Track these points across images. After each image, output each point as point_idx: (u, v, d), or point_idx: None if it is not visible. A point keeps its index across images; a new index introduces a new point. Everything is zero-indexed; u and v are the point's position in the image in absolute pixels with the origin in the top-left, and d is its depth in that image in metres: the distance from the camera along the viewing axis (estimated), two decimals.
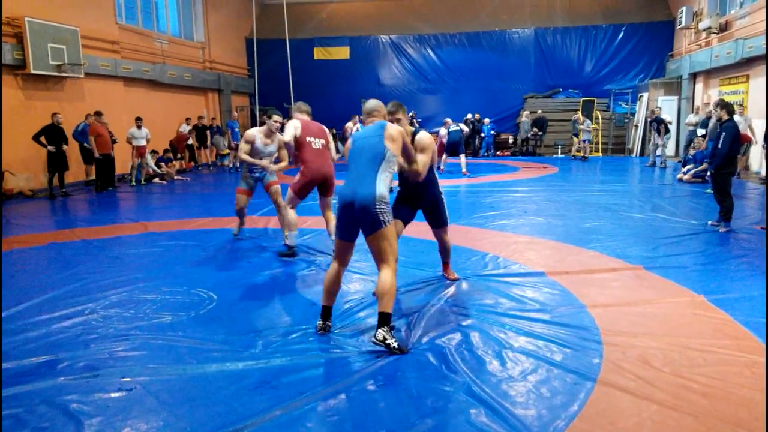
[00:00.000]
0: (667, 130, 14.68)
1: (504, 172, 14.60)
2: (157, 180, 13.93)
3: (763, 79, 12.55)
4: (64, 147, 11.30)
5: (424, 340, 3.69)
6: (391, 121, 4.08)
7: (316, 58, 21.43)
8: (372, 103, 4.01)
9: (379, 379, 3.15)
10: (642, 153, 18.04)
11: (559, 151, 18.99)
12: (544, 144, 19.59)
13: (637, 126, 18.43)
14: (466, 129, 11.68)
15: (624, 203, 9.11)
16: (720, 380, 3.03)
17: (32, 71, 11.55)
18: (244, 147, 6.29)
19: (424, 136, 4.34)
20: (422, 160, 4.15)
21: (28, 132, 11.04)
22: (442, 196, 4.75)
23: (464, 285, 4.87)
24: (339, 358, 3.46)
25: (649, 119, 14.59)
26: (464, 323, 3.96)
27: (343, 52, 21.43)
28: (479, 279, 5.03)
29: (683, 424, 2.61)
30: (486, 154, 19.60)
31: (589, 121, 17.37)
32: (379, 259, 3.60)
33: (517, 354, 3.45)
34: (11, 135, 11.30)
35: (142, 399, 2.98)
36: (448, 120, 14.23)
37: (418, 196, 4.65)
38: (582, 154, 17.46)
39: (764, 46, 11.82)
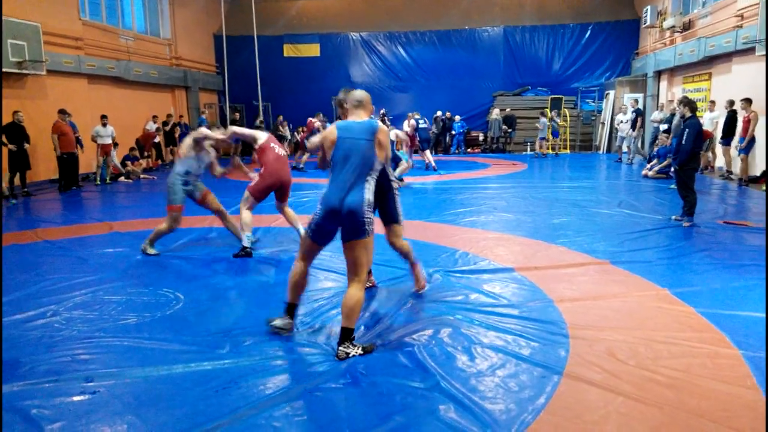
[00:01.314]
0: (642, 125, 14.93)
1: (474, 169, 14.70)
2: (122, 179, 13.66)
3: (726, 76, 12.89)
4: (26, 146, 10.99)
5: (394, 337, 3.69)
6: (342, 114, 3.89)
7: (285, 55, 21.26)
8: (360, 93, 3.70)
9: (347, 378, 3.13)
10: (609, 150, 18.35)
11: (529, 149, 19.20)
12: (514, 141, 19.79)
13: (603, 123, 18.74)
14: (433, 128, 11.62)
15: (591, 199, 9.26)
16: (684, 372, 3.10)
17: None
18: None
19: (385, 129, 4.09)
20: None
21: None
22: (396, 192, 4.37)
23: (434, 282, 4.88)
24: (307, 357, 3.44)
25: (632, 110, 14.70)
26: (434, 320, 3.97)
27: (313, 50, 21.30)
28: (449, 275, 5.05)
29: (648, 416, 2.66)
30: (457, 151, 19.72)
31: (544, 119, 17.55)
32: (353, 270, 3.42)
33: (486, 349, 3.47)
34: None
35: (106, 402, 2.91)
36: (411, 114, 14.06)
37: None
38: (542, 151, 17.65)
39: (727, 44, 12.12)
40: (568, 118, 19.41)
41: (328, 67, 21.23)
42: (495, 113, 19.46)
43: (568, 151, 19.35)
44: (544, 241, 6.26)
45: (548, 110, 18.71)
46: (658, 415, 2.66)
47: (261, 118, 14.65)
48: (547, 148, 18.06)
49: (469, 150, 20.18)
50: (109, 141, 13.16)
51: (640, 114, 14.73)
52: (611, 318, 3.94)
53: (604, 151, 18.53)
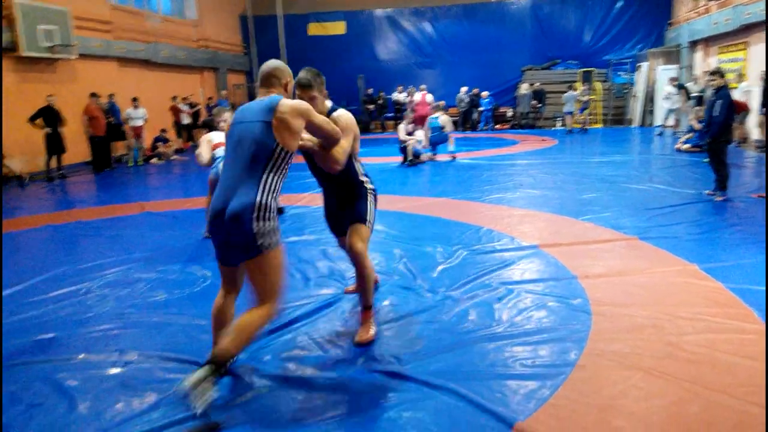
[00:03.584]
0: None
1: (502, 145, 14.53)
2: (154, 160, 13.91)
3: (763, 45, 12.41)
4: (61, 128, 11.27)
5: (407, 318, 3.71)
6: (300, 98, 3.08)
7: (310, 33, 21.18)
8: (269, 66, 2.90)
9: (361, 365, 3.17)
10: (643, 123, 17.91)
11: (559, 124, 18.87)
12: (544, 117, 19.46)
13: (635, 96, 18.27)
14: (444, 118, 11.23)
15: (621, 174, 9.08)
16: (707, 347, 3.05)
17: (24, 53, 11.46)
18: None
19: (342, 114, 3.25)
20: (342, 146, 3.05)
21: (24, 115, 11.00)
22: (370, 191, 3.47)
23: (458, 259, 4.88)
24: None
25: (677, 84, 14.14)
26: (456, 296, 3.99)
27: (338, 27, 21.19)
28: (472, 253, 5.04)
29: (669, 391, 2.64)
30: (485, 127, 19.50)
31: (572, 93, 17.11)
32: (256, 296, 2.66)
33: (506, 325, 3.47)
34: (6, 118, 11.25)
35: (135, 376, 3.02)
36: (415, 88, 13.64)
37: (338, 195, 3.48)
38: (573, 126, 17.28)
39: (763, 12, 11.65)
40: (600, 92, 18.97)
41: (354, 45, 21.10)
42: (524, 88, 19.13)
43: (599, 125, 18.95)
44: (571, 217, 6.19)
45: (580, 83, 18.30)
46: (678, 390, 2.64)
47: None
48: (579, 123, 17.69)
49: (497, 126, 19.93)
50: (140, 123, 13.40)
51: (682, 88, 14.25)
52: (636, 294, 3.90)
53: (638, 125, 18.09)
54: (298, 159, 3.14)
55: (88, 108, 12.00)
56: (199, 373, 2.38)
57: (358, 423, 2.51)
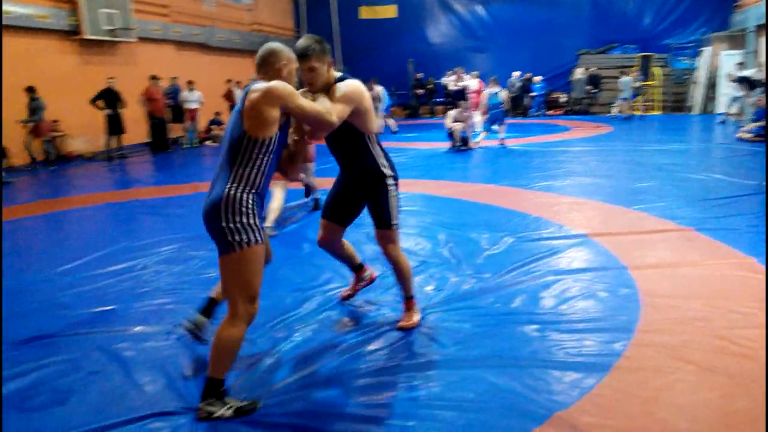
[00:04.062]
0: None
1: (554, 132, 14.23)
2: (209, 142, 14.27)
3: None
4: (120, 110, 11.69)
5: (460, 304, 3.73)
6: (311, 69, 2.82)
7: (361, 17, 21.17)
8: (263, 50, 2.66)
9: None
10: (704, 110, 17.19)
11: (615, 110, 18.33)
12: (599, 102, 18.92)
13: (696, 82, 17.53)
14: (504, 94, 11.02)
15: (678, 163, 8.77)
16: (759, 343, 2.95)
17: (86, 36, 11.90)
18: None
19: (345, 84, 2.88)
20: (336, 108, 2.72)
21: (86, 96, 11.46)
22: (391, 182, 3.17)
23: (504, 246, 4.84)
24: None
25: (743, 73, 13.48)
26: (500, 283, 3.97)
27: (390, 11, 21.10)
28: (519, 240, 4.99)
29: (717, 385, 2.58)
30: (536, 113, 19.12)
31: (626, 78, 16.51)
32: (226, 298, 2.53)
33: (552, 314, 3.44)
34: (70, 99, 11.76)
35: (188, 347, 3.16)
36: (463, 69, 13.31)
37: (351, 178, 3.23)
38: (630, 112, 16.73)
39: None
40: (659, 77, 18.28)
41: (405, 29, 20.99)
42: (579, 73, 18.63)
43: (658, 112, 18.30)
44: (623, 206, 6.04)
45: (638, 68, 17.69)
46: (727, 384, 2.57)
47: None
48: (633, 109, 17.12)
49: (549, 112, 19.51)
50: (195, 106, 13.75)
51: (744, 81, 13.54)
52: (688, 286, 3.79)
53: (699, 112, 17.38)
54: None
55: (148, 90, 12.40)
56: (205, 405, 2.46)
57: (402, 403, 2.55)
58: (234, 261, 2.42)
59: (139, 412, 2.54)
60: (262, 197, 2.53)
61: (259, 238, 2.45)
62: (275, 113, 2.43)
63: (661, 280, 3.91)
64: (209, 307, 3.05)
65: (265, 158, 2.47)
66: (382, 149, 3.18)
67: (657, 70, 18.26)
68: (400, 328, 3.29)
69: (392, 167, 3.19)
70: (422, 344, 3.11)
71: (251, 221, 2.43)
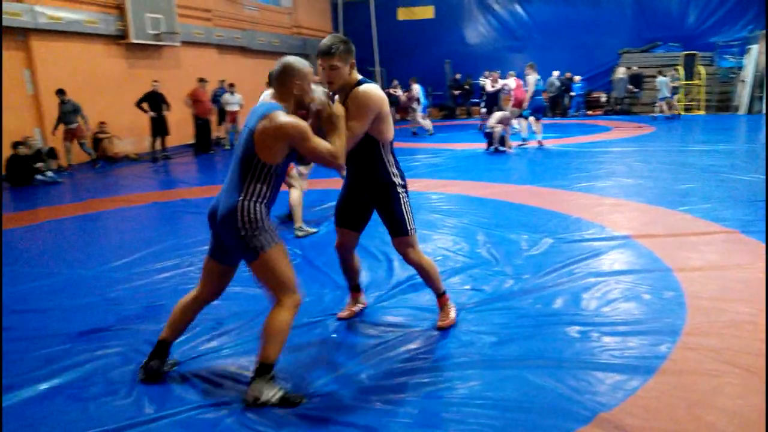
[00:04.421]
0: None
1: (595, 132, 14.01)
2: None
3: None
4: (165, 112, 11.99)
5: (491, 304, 3.73)
6: (332, 68, 2.80)
7: (399, 18, 21.24)
8: (279, 64, 2.65)
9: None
10: (750, 110, 16.67)
11: (657, 110, 17.93)
12: (641, 102, 18.52)
13: (744, 81, 17.00)
14: (533, 81, 10.88)
15: (725, 164, 8.54)
16: None
17: (133, 41, 12.28)
18: None
19: (362, 92, 2.86)
20: (354, 128, 2.80)
21: (132, 99, 11.81)
22: (401, 190, 3.12)
23: (544, 246, 4.81)
24: None
25: None
26: (541, 284, 3.95)
27: (427, 12, 21.12)
28: (559, 241, 4.95)
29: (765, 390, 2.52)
30: (576, 113, 18.84)
31: (663, 78, 16.12)
32: (269, 295, 2.67)
33: (594, 315, 3.42)
34: (117, 102, 12.15)
35: (234, 341, 3.26)
36: (498, 72, 13.13)
37: (360, 185, 3.17)
38: (670, 112, 16.33)
39: None
40: (704, 76, 17.80)
41: (443, 30, 20.98)
42: (620, 72, 18.29)
43: (701, 112, 17.82)
44: (667, 208, 5.92)
45: (681, 68, 17.26)
46: None
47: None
48: (673, 109, 16.70)
49: (589, 112, 19.20)
50: (236, 108, 14.00)
51: None
52: (735, 289, 3.70)
53: (745, 112, 16.86)
54: None
55: (194, 92, 12.72)
56: (253, 388, 2.55)
57: (442, 402, 2.58)
58: (262, 265, 2.56)
59: (189, 403, 2.63)
60: (270, 208, 2.64)
61: (276, 239, 2.60)
62: (284, 148, 2.53)
63: (707, 282, 3.84)
64: (161, 349, 2.88)
65: (275, 176, 2.59)
66: (394, 157, 3.14)
67: (701, 69, 17.77)
68: (440, 328, 3.31)
69: (402, 175, 3.15)
70: (461, 344, 3.13)
71: (266, 225, 2.56)
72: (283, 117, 2.50)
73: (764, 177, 7.33)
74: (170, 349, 2.91)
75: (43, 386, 2.86)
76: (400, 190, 3.11)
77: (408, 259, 3.20)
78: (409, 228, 3.13)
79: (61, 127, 10.88)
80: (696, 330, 3.13)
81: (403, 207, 3.11)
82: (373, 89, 2.89)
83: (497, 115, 10.99)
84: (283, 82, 2.62)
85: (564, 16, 19.77)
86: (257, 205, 2.54)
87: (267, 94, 5.21)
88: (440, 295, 3.37)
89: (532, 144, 11.37)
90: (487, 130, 11.04)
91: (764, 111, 15.69)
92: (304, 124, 2.53)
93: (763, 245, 4.56)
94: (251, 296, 3.90)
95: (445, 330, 3.30)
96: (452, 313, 3.38)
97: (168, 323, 2.88)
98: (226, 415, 2.53)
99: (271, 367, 2.58)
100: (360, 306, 3.61)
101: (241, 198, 2.53)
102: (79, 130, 11.10)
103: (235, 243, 2.57)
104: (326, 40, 2.84)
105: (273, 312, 2.59)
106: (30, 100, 11.03)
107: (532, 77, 11.22)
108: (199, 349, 3.19)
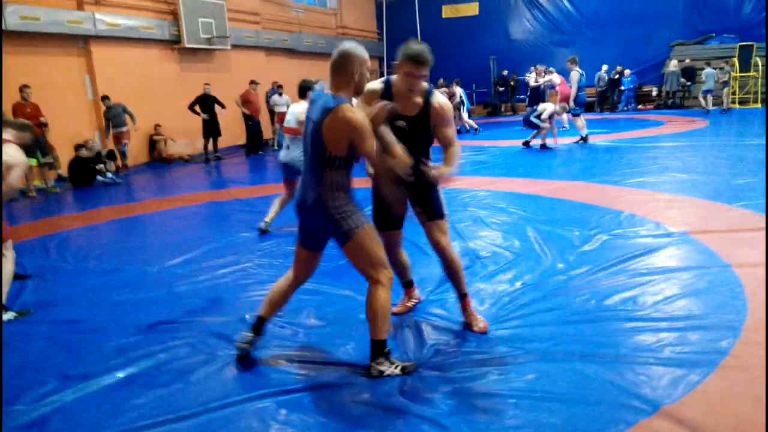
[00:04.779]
0: None
1: (646, 126, 13.69)
2: None
3: None
4: (222, 111, 12.28)
5: (545, 300, 3.74)
6: (423, 77, 2.90)
7: (444, 16, 21.20)
8: (338, 51, 2.71)
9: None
10: None
11: (710, 104, 17.36)
12: (693, 96, 17.96)
13: None
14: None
15: None
16: None
17: (186, 45, 12.67)
18: None
19: (447, 103, 3.09)
20: (451, 140, 3.05)
21: (185, 102, 12.19)
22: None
23: (597, 243, 4.78)
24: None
25: None
26: (596, 280, 3.94)
27: (471, 9, 21.00)
28: (613, 238, 4.90)
29: None
30: (626, 108, 18.42)
31: (711, 70, 15.58)
32: (362, 274, 2.81)
33: (652, 311, 3.39)
34: (171, 105, 12.56)
35: (293, 334, 3.40)
36: (543, 67, 12.84)
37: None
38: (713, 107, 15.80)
39: None
40: (760, 68, 17.13)
41: (487, 26, 20.83)
42: (672, 65, 17.78)
43: (758, 105, 17.16)
44: (724, 203, 5.78)
45: (735, 59, 16.65)
46: None
47: None
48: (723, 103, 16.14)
49: (640, 107, 18.75)
50: (284, 109, 14.26)
51: None
52: None
53: None
54: None
55: (245, 94, 13.05)
56: (375, 365, 2.77)
57: (499, 394, 2.62)
58: (356, 244, 2.71)
59: (254, 391, 2.76)
60: (350, 191, 2.77)
61: (364, 219, 2.75)
62: (345, 144, 2.64)
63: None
64: (259, 325, 3.07)
65: (349, 164, 2.73)
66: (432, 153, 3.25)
67: (758, 61, 17.11)
68: (480, 332, 3.24)
69: None
70: (515, 338, 3.16)
71: (352, 206, 2.72)
72: (351, 112, 2.58)
73: None
74: (265, 326, 3.09)
75: (120, 374, 3.03)
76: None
77: (440, 247, 3.18)
78: (444, 213, 3.23)
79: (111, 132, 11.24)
80: (757, 326, 3.08)
81: (440, 192, 3.22)
82: (448, 102, 3.09)
83: (550, 108, 10.79)
84: (344, 69, 2.67)
85: (612, 9, 19.34)
86: (338, 193, 2.68)
87: (299, 107, 5.32)
88: (463, 296, 3.33)
89: (575, 140, 11.19)
90: (534, 120, 10.83)
91: None
92: (368, 125, 2.62)
93: None
94: (305, 291, 4.03)
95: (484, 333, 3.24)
96: (479, 316, 3.33)
97: (267, 302, 3.06)
98: (292, 402, 2.64)
99: (385, 343, 2.79)
100: (414, 301, 3.67)
101: (322, 189, 2.67)
102: (127, 134, 11.38)
103: (327, 228, 2.76)
104: (418, 48, 2.87)
105: (372, 292, 2.74)
106: (90, 105, 11.52)
107: (575, 73, 11.01)
108: (264, 340, 3.31)
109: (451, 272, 3.27)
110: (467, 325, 3.31)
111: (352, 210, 2.71)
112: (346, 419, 2.50)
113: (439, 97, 3.05)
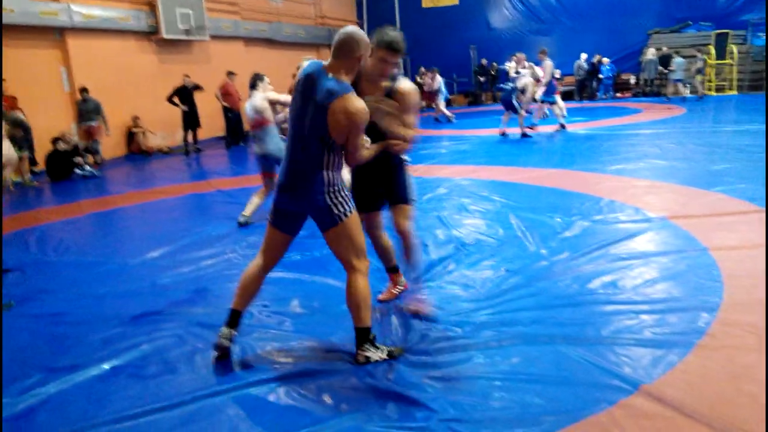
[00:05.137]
0: None
1: (624, 114, 13.85)
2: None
3: None
4: (201, 89, 12.14)
5: (528, 286, 3.80)
6: (396, 64, 2.97)
7: (424, 6, 21.14)
8: (343, 34, 2.65)
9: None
10: None
11: (687, 91, 17.59)
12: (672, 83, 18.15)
13: None
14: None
15: (758, 144, 8.39)
16: None
17: (164, 36, 12.50)
18: None
19: (413, 91, 3.10)
20: (410, 122, 3.03)
21: (164, 94, 12.05)
22: (405, 162, 3.34)
23: (578, 229, 4.85)
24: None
25: None
26: (577, 264, 4.00)
27: None
28: (594, 223, 4.98)
29: None
30: (604, 96, 18.60)
31: (680, 59, 15.93)
32: (342, 262, 2.83)
33: (632, 294, 3.46)
34: (149, 97, 12.40)
35: (280, 322, 3.40)
36: (524, 55, 12.90)
37: (373, 165, 3.11)
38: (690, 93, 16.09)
39: None
40: (735, 56, 17.40)
41: (468, 15, 20.82)
42: (650, 53, 17.96)
43: (734, 92, 17.44)
44: (701, 189, 5.89)
45: (711, 47, 16.88)
46: None
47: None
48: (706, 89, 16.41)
49: (618, 95, 18.93)
50: None
51: None
52: None
53: None
54: None
55: (224, 85, 12.93)
56: (361, 352, 2.80)
57: (484, 377, 2.67)
58: (343, 229, 2.73)
59: (242, 379, 2.77)
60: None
61: (352, 206, 2.78)
62: (343, 135, 2.66)
63: (743, 261, 3.85)
64: (234, 319, 2.98)
65: (343, 147, 2.74)
66: None
67: (734, 48, 17.36)
68: (413, 313, 3.36)
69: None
70: (500, 322, 3.20)
71: (345, 193, 2.75)
72: (359, 104, 2.58)
73: None
74: (241, 319, 2.99)
75: (106, 366, 3.02)
76: (406, 163, 3.34)
77: (402, 229, 3.26)
78: (411, 198, 3.32)
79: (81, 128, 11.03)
80: (734, 307, 3.16)
81: (407, 178, 3.32)
82: (414, 87, 3.11)
83: (529, 91, 10.80)
84: (351, 52, 2.63)
85: None
86: (336, 174, 2.71)
87: (256, 99, 5.31)
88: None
89: (555, 128, 11.29)
90: (515, 103, 10.82)
91: None
92: (367, 117, 2.64)
93: None
94: (290, 281, 4.05)
95: (413, 314, 3.35)
96: (424, 298, 3.45)
97: (238, 293, 2.96)
98: (279, 389, 2.66)
99: (369, 330, 2.83)
100: (400, 288, 3.70)
101: (324, 171, 2.66)
102: (97, 130, 11.17)
103: (310, 211, 2.76)
104: (394, 35, 2.90)
105: (352, 281, 2.78)
106: (67, 97, 11.34)
107: (548, 62, 11.11)
108: (250, 330, 3.32)
109: (409, 253, 3.36)
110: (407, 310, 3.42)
111: (344, 196, 2.73)
112: (334, 405, 2.52)
113: (404, 83, 3.08)
